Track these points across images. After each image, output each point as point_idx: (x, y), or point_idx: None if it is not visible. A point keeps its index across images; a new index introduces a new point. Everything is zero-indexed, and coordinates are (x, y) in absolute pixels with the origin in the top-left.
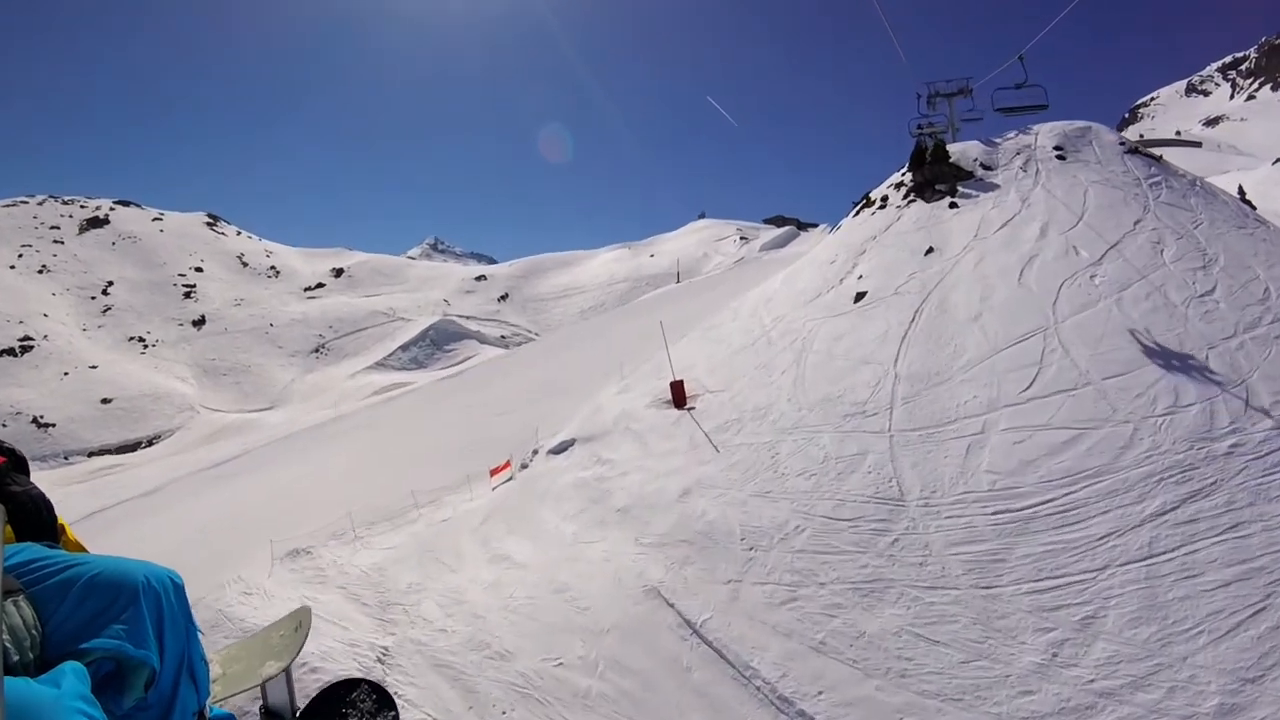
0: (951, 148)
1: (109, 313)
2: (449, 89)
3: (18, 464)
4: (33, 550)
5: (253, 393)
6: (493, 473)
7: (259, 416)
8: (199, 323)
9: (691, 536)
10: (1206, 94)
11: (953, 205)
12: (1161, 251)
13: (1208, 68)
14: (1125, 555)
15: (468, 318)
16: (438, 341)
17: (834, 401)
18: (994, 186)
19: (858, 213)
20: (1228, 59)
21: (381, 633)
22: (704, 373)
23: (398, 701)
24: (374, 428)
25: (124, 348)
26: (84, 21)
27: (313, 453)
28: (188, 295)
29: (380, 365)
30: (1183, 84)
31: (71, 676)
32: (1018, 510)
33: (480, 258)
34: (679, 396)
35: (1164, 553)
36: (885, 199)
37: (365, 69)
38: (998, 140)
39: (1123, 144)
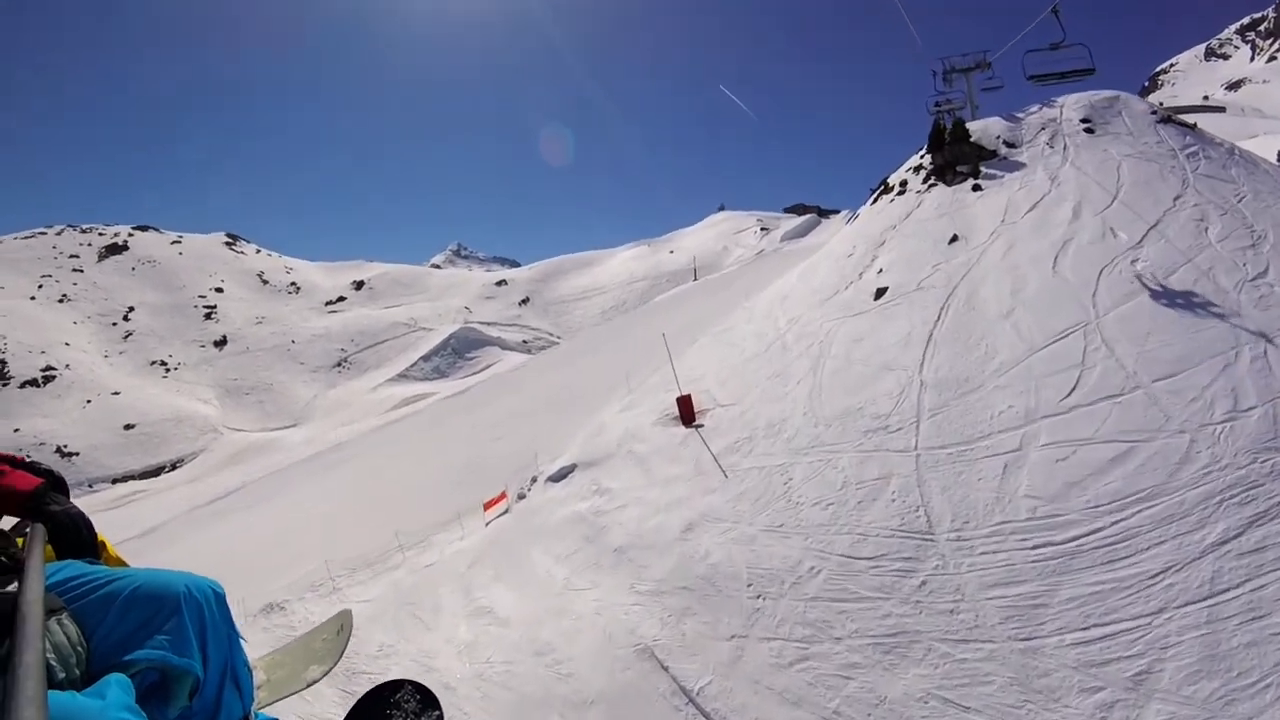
0: (972, 125)
1: (130, 338)
2: (463, 96)
3: (56, 484)
4: (74, 568)
5: (275, 411)
6: (486, 506)
7: (282, 435)
8: (220, 343)
9: (692, 582)
10: (1226, 57)
11: (976, 188)
12: (1206, 230)
13: (1226, 30)
14: (1184, 595)
15: (489, 324)
16: (459, 350)
17: (853, 415)
18: (1020, 165)
19: (875, 200)
20: (1245, 20)
21: (341, 708)
22: (714, 384)
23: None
24: (374, 454)
25: (146, 372)
26: (87, 42)
27: (308, 486)
28: (208, 316)
29: (402, 376)
30: (1201, 48)
31: (116, 688)
32: (1061, 543)
33: (504, 261)
34: (686, 413)
35: (1227, 590)
36: (904, 184)
37: (382, 78)
38: (1020, 115)
39: (1154, 113)
